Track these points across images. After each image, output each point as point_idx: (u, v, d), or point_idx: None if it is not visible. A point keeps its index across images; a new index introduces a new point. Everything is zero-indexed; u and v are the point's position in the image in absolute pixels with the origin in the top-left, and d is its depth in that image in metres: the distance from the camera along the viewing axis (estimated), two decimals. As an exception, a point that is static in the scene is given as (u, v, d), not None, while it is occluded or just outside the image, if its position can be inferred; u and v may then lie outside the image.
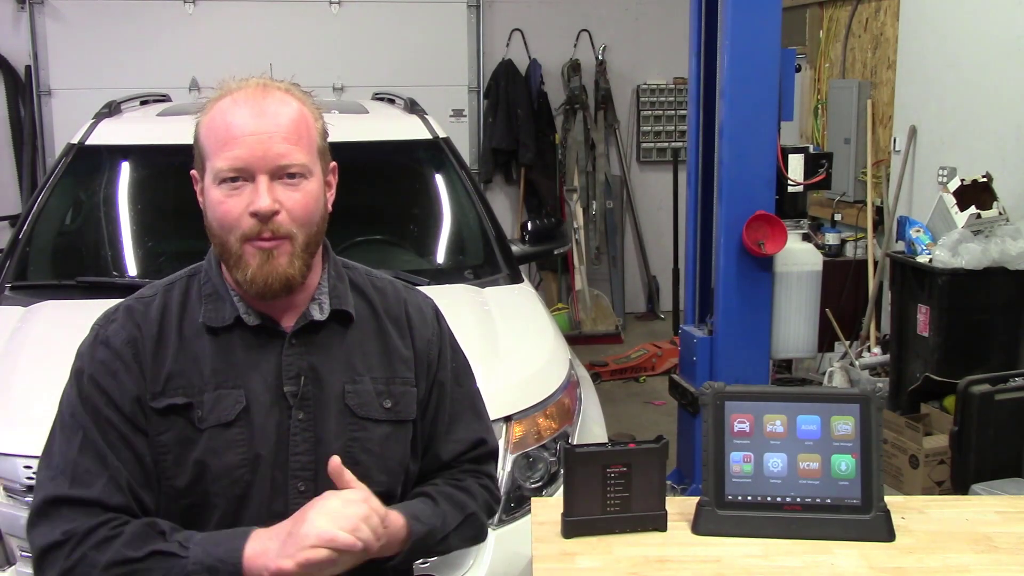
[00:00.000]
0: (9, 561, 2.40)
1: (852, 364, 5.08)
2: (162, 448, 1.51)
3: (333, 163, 1.63)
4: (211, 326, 1.56)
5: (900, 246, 4.63)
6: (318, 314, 1.59)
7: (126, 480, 1.49)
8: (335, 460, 1.49)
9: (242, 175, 1.48)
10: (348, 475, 1.50)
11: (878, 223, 5.56)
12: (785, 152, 3.86)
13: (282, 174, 1.49)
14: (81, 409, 1.52)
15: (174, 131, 3.77)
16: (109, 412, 1.51)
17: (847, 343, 5.28)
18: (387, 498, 1.58)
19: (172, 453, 1.51)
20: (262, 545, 1.43)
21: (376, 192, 3.80)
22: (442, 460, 1.71)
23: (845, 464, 1.75)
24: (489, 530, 2.50)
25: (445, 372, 1.71)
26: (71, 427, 1.51)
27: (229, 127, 1.49)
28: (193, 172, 1.59)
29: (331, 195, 1.62)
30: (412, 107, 4.22)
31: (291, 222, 1.50)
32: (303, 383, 1.55)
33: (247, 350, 1.56)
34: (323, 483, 1.53)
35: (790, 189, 3.88)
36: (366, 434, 1.58)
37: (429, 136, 3.93)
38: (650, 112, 7.65)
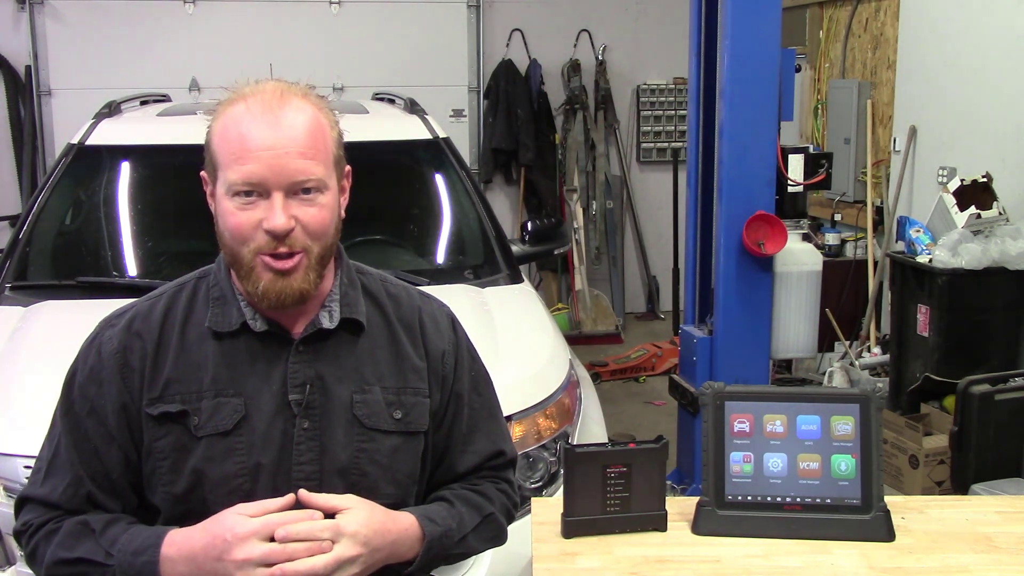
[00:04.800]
0: (9, 561, 2.40)
1: (852, 364, 5.08)
2: (159, 454, 1.51)
3: (347, 167, 1.59)
4: (216, 331, 1.53)
5: (900, 246, 4.63)
6: (327, 322, 1.55)
7: (86, 491, 1.52)
8: (301, 493, 1.47)
9: (256, 190, 1.45)
10: (319, 499, 1.47)
11: (878, 223, 5.56)
12: (785, 152, 3.86)
13: (297, 190, 1.46)
14: (63, 413, 1.55)
15: (174, 131, 3.78)
16: (89, 421, 1.52)
17: (847, 343, 5.28)
18: (399, 509, 1.57)
19: (169, 459, 1.50)
20: (182, 560, 1.43)
21: (376, 192, 3.80)
22: (457, 472, 1.67)
23: (845, 464, 1.75)
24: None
25: (462, 383, 1.66)
26: (53, 429, 1.56)
27: (243, 139, 1.45)
28: (203, 174, 1.55)
29: (344, 199, 1.58)
30: (412, 107, 4.22)
31: (306, 237, 1.47)
32: (309, 392, 1.52)
33: (252, 357, 1.53)
34: (328, 493, 1.51)
35: (790, 189, 3.88)
36: (374, 445, 1.54)
37: (429, 136, 3.93)
38: (650, 112, 7.65)
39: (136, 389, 1.52)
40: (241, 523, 1.41)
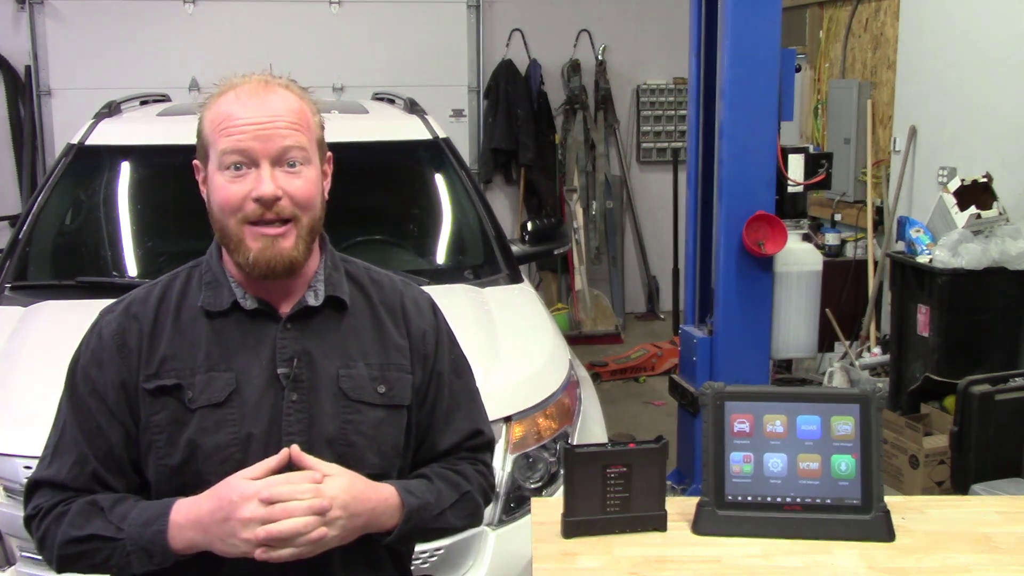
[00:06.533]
0: (9, 561, 2.40)
1: (852, 364, 5.08)
2: (156, 428, 1.58)
3: (329, 153, 1.68)
4: (209, 310, 1.61)
5: (900, 246, 4.63)
6: (313, 300, 1.63)
7: (92, 468, 1.59)
8: (293, 449, 1.54)
9: (245, 162, 1.53)
10: (308, 460, 1.54)
11: (878, 223, 5.56)
12: (785, 152, 3.86)
13: (283, 161, 1.55)
14: (68, 397, 1.63)
15: (174, 131, 3.78)
16: (91, 401, 1.60)
17: (847, 343, 5.29)
18: (382, 480, 1.63)
19: (165, 433, 1.58)
20: (190, 525, 1.50)
21: (376, 192, 3.80)
22: (439, 450, 1.74)
23: (845, 464, 1.75)
24: (489, 529, 2.52)
25: (443, 363, 1.74)
26: (59, 415, 1.65)
27: (232, 116, 1.54)
28: (195, 162, 1.63)
29: (327, 184, 1.67)
30: (412, 107, 4.22)
31: (294, 206, 1.55)
32: (296, 365, 1.59)
33: (243, 333, 1.61)
34: None
35: (790, 189, 3.89)
36: (360, 416, 1.62)
37: (429, 136, 3.93)
38: (650, 112, 7.65)
39: (134, 367, 1.60)
40: (246, 485, 1.49)
